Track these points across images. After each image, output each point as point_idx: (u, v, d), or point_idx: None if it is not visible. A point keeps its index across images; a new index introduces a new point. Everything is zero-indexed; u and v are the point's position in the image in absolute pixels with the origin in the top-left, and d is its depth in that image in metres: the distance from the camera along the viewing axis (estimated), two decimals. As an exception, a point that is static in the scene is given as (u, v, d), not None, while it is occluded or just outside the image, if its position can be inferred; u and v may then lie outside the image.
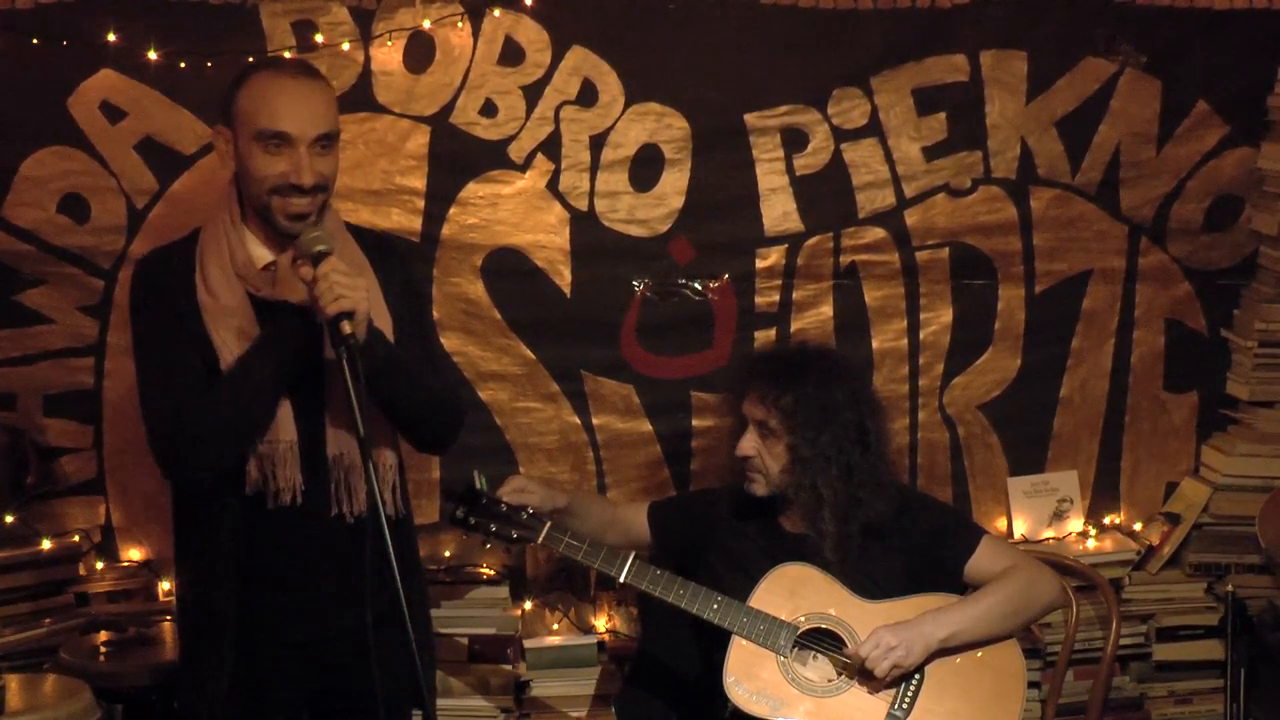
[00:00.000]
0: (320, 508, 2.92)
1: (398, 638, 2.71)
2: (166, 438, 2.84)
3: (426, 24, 3.78)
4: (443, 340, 3.95)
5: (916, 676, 3.24)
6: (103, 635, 3.64)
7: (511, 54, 3.85)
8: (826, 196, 4.03)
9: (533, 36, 3.84)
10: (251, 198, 2.86)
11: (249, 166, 2.83)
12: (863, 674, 3.22)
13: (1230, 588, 4.15)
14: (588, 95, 3.89)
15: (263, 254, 2.89)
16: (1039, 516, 4.22)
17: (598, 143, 3.92)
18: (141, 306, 2.92)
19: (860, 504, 3.30)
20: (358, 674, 2.98)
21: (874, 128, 4.01)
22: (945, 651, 3.24)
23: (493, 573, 3.96)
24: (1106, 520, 4.30)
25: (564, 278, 3.97)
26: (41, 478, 3.82)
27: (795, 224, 4.03)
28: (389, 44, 3.78)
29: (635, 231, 3.98)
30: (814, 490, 3.29)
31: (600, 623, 4.04)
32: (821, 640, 3.27)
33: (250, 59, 3.15)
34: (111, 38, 3.62)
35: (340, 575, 2.96)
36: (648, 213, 3.97)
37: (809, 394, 3.30)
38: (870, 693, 3.22)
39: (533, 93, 3.87)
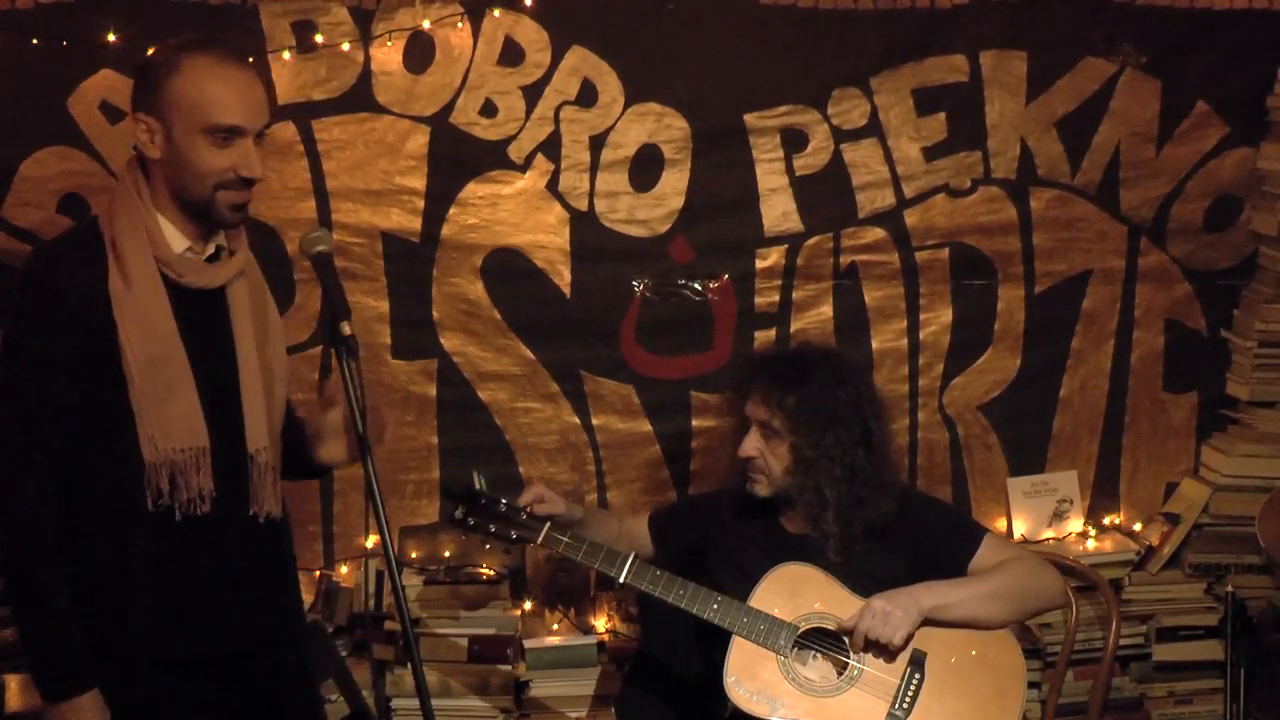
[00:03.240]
0: (232, 510, 2.76)
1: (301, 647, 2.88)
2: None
3: (426, 24, 3.78)
4: (442, 340, 3.96)
5: (918, 676, 3.23)
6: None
7: (511, 54, 3.85)
8: (826, 197, 4.03)
9: (533, 36, 3.84)
10: (188, 190, 2.68)
11: (191, 159, 2.66)
12: (868, 645, 3.21)
13: (1230, 588, 4.14)
14: (588, 95, 3.90)
15: (179, 240, 2.73)
16: (1039, 517, 4.22)
17: (598, 143, 3.92)
18: (38, 314, 2.64)
19: (863, 504, 3.30)
20: (271, 685, 2.91)
21: (874, 128, 4.01)
22: (938, 624, 3.23)
23: (492, 573, 3.96)
24: (1106, 520, 4.30)
25: (564, 278, 3.97)
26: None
27: (795, 224, 4.03)
28: (389, 44, 3.78)
29: (635, 231, 3.98)
30: (817, 491, 3.29)
31: (600, 623, 4.03)
32: (822, 640, 3.27)
33: (175, 45, 2.75)
34: (111, 38, 3.62)
35: (253, 580, 2.85)
36: (648, 213, 3.97)
37: (813, 394, 3.29)
38: (874, 695, 3.21)
39: (533, 93, 3.87)
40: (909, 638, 3.22)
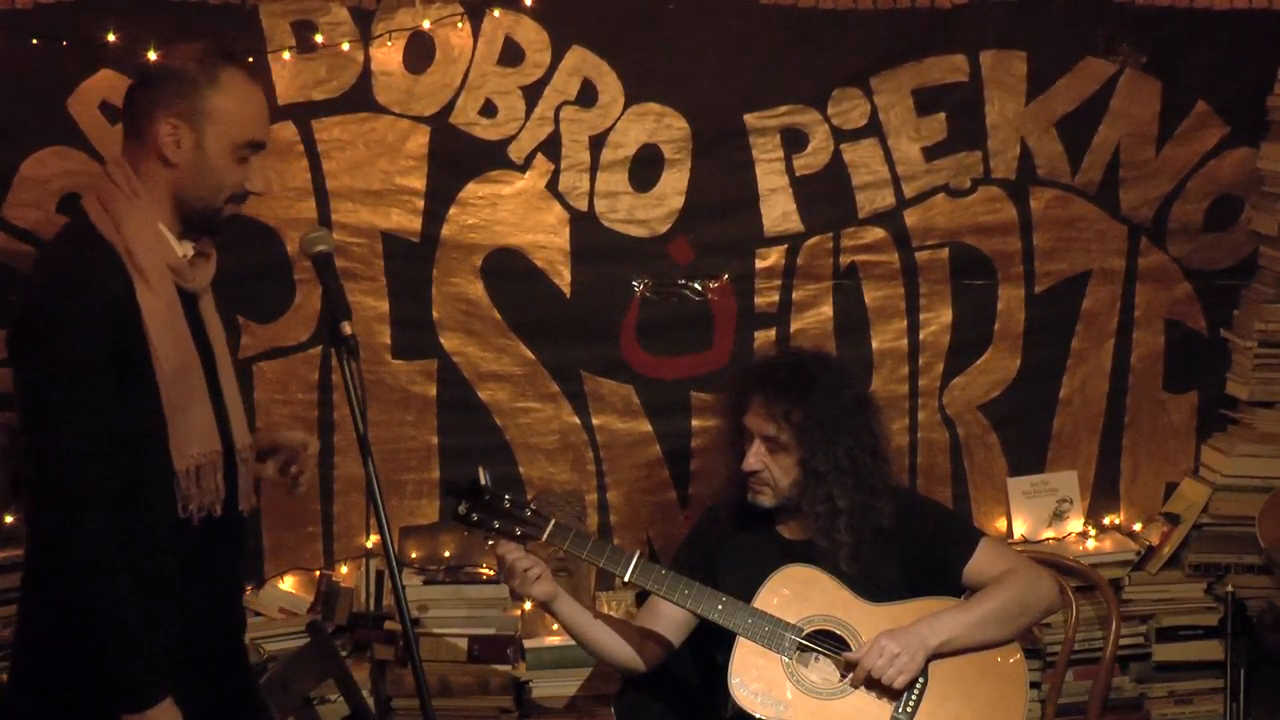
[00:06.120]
0: (227, 509, 2.76)
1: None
2: (62, 538, 2.57)
3: (426, 24, 3.78)
4: (442, 340, 3.96)
5: (920, 680, 3.23)
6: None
7: (511, 54, 3.85)
8: (826, 197, 4.03)
9: (533, 36, 3.84)
10: (200, 197, 2.68)
11: (217, 169, 2.67)
12: (869, 682, 3.20)
13: (1230, 588, 4.15)
14: (588, 95, 3.89)
15: (178, 246, 2.72)
16: (1039, 517, 4.22)
17: (597, 143, 3.92)
18: (77, 324, 2.55)
19: (872, 509, 3.30)
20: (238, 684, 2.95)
21: (874, 128, 4.01)
22: (943, 656, 3.23)
23: (493, 573, 3.95)
24: (1106, 520, 4.30)
25: (564, 278, 3.97)
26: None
27: (795, 224, 4.03)
28: (389, 44, 3.78)
29: (635, 231, 3.98)
30: (830, 501, 3.27)
31: (600, 623, 4.03)
32: (825, 642, 3.26)
33: (233, 51, 2.77)
34: (111, 38, 3.61)
35: (238, 576, 2.93)
36: (648, 213, 3.97)
37: (818, 406, 3.27)
38: (877, 698, 3.21)
39: (532, 93, 3.87)
40: (910, 682, 3.22)
